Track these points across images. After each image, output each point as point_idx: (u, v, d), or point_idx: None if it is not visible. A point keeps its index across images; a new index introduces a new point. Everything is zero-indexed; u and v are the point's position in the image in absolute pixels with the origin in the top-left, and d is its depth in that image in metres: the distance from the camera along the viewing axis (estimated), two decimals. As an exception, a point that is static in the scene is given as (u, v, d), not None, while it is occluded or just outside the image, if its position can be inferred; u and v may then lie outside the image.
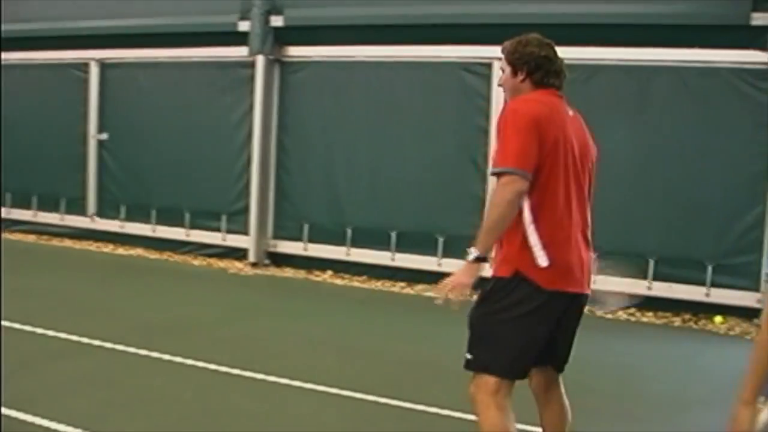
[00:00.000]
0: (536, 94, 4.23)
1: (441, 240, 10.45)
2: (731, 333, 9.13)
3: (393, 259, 10.79)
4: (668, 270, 9.54)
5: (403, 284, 10.68)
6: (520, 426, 4.65)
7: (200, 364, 6.77)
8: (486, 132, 10.17)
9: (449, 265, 10.37)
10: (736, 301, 9.32)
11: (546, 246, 4.01)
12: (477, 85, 10.27)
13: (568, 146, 4.11)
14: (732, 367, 8.24)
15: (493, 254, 4.08)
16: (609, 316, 9.59)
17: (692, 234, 9.45)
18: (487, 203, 4.05)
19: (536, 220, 4.01)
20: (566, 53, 10.20)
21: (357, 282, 10.87)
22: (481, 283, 4.05)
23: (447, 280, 4.02)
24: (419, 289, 10.48)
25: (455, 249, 10.40)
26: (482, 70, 10.21)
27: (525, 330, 4.09)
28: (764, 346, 2.97)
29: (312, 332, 8.21)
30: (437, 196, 10.45)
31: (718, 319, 9.35)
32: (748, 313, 9.29)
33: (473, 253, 3.97)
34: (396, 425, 5.80)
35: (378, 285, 10.75)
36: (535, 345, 4.15)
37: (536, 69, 4.26)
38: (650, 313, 9.54)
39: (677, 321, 9.42)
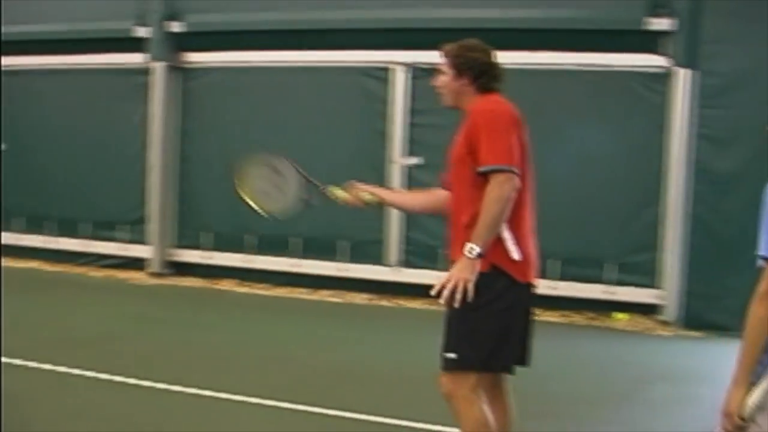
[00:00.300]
0: (493, 97, 4.33)
1: (345, 245, 10.42)
2: (633, 329, 9.32)
3: (295, 266, 10.71)
4: (571, 270, 9.68)
5: (306, 290, 10.62)
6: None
7: (117, 378, 6.59)
8: (385, 136, 10.21)
9: (354, 270, 10.39)
10: (637, 298, 9.52)
11: (517, 240, 4.15)
12: (376, 89, 10.29)
13: (525, 146, 4.26)
14: (637, 362, 8.47)
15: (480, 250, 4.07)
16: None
17: (593, 234, 9.62)
18: (485, 200, 4.04)
19: (509, 215, 4.13)
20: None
21: (260, 289, 10.76)
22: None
23: (449, 279, 4.06)
24: (323, 294, 10.44)
25: (359, 254, 10.42)
26: (381, 74, 10.26)
27: (506, 323, 4.20)
28: (756, 328, 3.04)
29: (225, 342, 8.13)
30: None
31: (620, 316, 9.53)
32: (649, 310, 9.51)
33: (476, 249, 4.00)
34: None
35: (282, 292, 10.67)
36: (515, 338, 4.26)
37: (481, 74, 4.35)
38: (555, 313, 9.65)
39: (580, 319, 9.57)
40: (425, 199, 4.97)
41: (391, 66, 10.17)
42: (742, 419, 3.04)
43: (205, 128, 11.18)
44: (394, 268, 10.35)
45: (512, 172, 4.07)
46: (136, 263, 11.45)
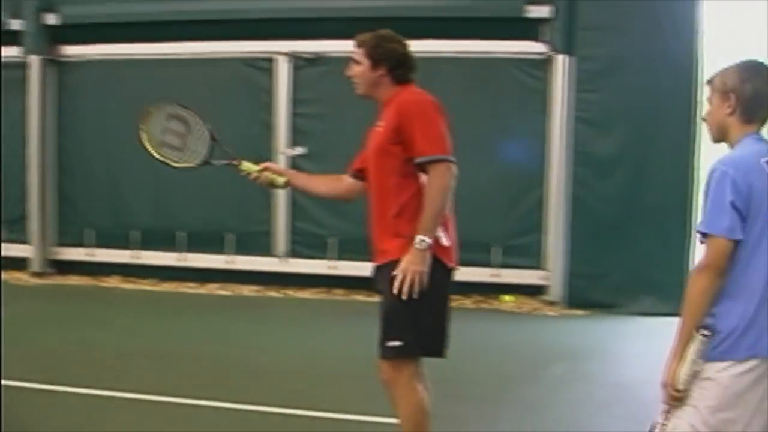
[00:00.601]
0: (413, 88, 4.40)
1: (231, 237, 10.34)
2: (520, 310, 9.53)
3: (182, 260, 10.60)
4: (459, 254, 9.78)
5: (193, 284, 10.50)
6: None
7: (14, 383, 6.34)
8: (270, 127, 10.17)
9: (241, 262, 10.33)
10: (523, 280, 9.72)
11: (444, 227, 4.29)
12: (260, 80, 10.23)
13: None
14: (530, 343, 8.66)
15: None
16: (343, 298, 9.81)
17: (478, 218, 9.76)
18: (431, 191, 4.18)
19: None
20: (349, 46, 10.37)
21: (146, 285, 10.59)
22: (382, 269, 4.28)
23: (403, 271, 4.11)
24: (211, 288, 10.36)
25: (246, 246, 10.35)
26: (264, 65, 10.20)
27: (442, 308, 4.37)
28: (695, 301, 3.22)
29: (113, 340, 7.95)
30: (225, 194, 10.30)
31: (506, 297, 9.72)
32: (535, 291, 9.73)
33: (426, 240, 4.11)
34: (216, 426, 5.77)
35: (169, 287, 10.52)
36: (448, 322, 4.40)
37: (398, 65, 4.43)
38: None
39: (469, 303, 9.72)
40: (332, 184, 5.01)
41: (273, 56, 10.12)
42: (678, 390, 3.23)
43: (84, 123, 10.90)
44: (281, 258, 10.32)
45: (451, 161, 4.20)
46: (18, 263, 11.12)
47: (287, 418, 5.89)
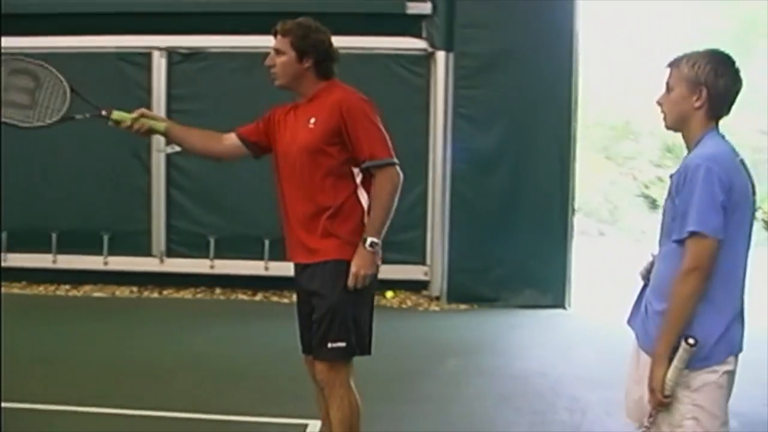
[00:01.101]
0: (343, 84, 4.32)
1: (106, 237, 10.03)
2: (403, 306, 9.54)
3: (55, 261, 10.21)
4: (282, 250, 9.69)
5: (68, 287, 10.14)
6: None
7: None
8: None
9: (117, 263, 10.03)
10: (405, 276, 9.71)
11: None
12: (136, 75, 9.95)
13: None
14: (417, 337, 8.66)
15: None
16: (286, 301, 9.73)
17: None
18: (380, 194, 4.20)
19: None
20: (229, 42, 10.22)
21: (17, 289, 10.13)
22: (313, 268, 4.22)
23: (355, 274, 4.12)
24: (86, 290, 10.03)
25: (121, 246, 10.05)
26: (141, 60, 9.91)
27: (371, 306, 4.37)
28: (680, 306, 3.15)
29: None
30: (100, 193, 10.00)
31: (389, 294, 9.72)
32: (417, 286, 9.76)
33: (376, 242, 4.13)
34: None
35: (41, 290, 10.13)
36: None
37: (325, 58, 4.31)
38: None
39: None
40: (209, 141, 4.89)
41: (149, 51, 9.86)
42: (666, 396, 3.20)
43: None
44: (159, 258, 10.07)
45: (396, 164, 4.21)
46: None
47: (178, 422, 5.75)
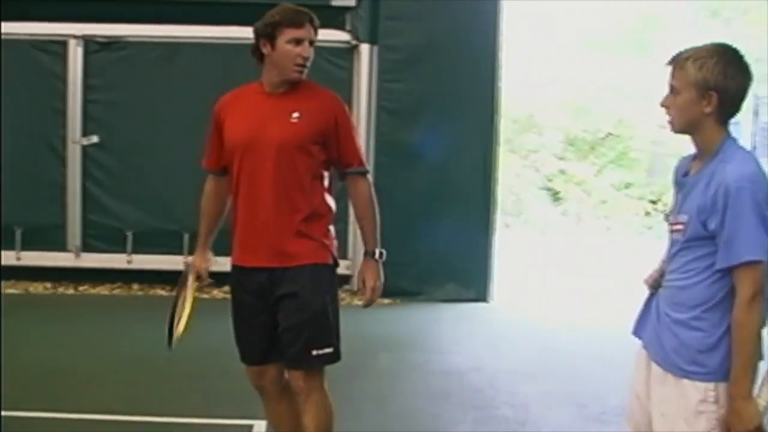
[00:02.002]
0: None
1: (19, 232, 9.69)
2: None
3: (-38, 257, 9.83)
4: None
5: (-23, 283, 9.78)
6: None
7: None
8: (64, 114, 9.59)
9: (31, 258, 9.72)
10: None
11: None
12: (51, 65, 9.61)
13: None
14: (345, 333, 8.41)
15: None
16: (206, 296, 9.56)
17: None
18: (370, 203, 4.26)
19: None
20: (149, 31, 9.97)
21: None
22: (290, 272, 4.07)
23: (372, 287, 4.17)
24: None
25: (35, 240, 9.74)
26: (56, 48, 9.57)
27: None
28: (747, 339, 3.00)
29: None
30: (12, 186, 9.63)
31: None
32: (340, 281, 9.66)
33: (383, 252, 4.16)
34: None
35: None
36: None
37: None
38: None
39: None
40: (218, 208, 4.54)
41: (65, 39, 9.55)
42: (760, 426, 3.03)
43: None
44: (74, 253, 9.78)
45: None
46: None
47: (118, 425, 5.61)
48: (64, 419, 5.63)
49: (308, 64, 4.08)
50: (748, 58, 3.12)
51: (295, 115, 4.07)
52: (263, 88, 4.18)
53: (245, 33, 9.39)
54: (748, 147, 10.72)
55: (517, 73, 19.97)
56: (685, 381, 3.14)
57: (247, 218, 4.15)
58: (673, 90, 3.13)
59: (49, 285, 9.70)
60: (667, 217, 3.33)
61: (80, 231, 9.76)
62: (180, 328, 4.37)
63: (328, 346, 4.11)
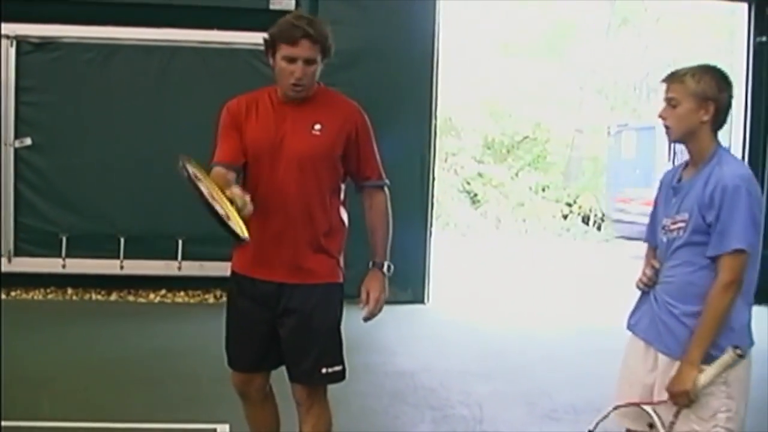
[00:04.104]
0: (321, 84, 4.07)
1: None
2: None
3: None
4: (196, 249, 9.55)
5: None
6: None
7: None
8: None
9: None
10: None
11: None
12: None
13: None
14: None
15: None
16: (142, 300, 9.49)
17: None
18: (385, 216, 4.18)
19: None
20: (84, 32, 9.83)
21: None
22: (303, 289, 3.97)
23: (377, 298, 4.09)
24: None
25: None
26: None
27: None
28: (718, 317, 3.33)
29: None
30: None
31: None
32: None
33: (391, 266, 4.11)
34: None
35: None
36: None
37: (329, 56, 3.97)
38: (182, 293, 9.64)
39: (210, 298, 9.56)
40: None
41: (-2, 38, 9.38)
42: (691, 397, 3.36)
43: None
44: (6, 257, 9.58)
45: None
46: None
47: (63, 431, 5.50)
48: (19, 427, 5.48)
49: (305, 82, 3.86)
50: (658, 65, 3.50)
51: (317, 127, 3.92)
52: (279, 96, 4.01)
53: (182, 35, 9.60)
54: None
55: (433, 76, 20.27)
56: None
57: (263, 229, 3.87)
58: (671, 102, 3.47)
59: (-22, 290, 9.51)
60: (661, 224, 3.61)
61: (13, 235, 9.58)
62: (236, 218, 3.54)
63: (337, 364, 4.03)
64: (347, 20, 9.52)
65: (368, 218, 4.16)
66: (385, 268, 4.12)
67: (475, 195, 21.40)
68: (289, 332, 4.01)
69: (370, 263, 4.17)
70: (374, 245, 4.14)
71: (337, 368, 4.03)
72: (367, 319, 4.11)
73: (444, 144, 21.50)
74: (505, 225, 20.42)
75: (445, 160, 21.47)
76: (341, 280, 4.13)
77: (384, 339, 8.29)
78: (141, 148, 9.45)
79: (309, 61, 3.82)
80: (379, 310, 4.11)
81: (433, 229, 10.27)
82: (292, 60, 3.81)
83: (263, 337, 4.07)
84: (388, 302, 9.14)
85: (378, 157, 4.14)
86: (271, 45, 3.89)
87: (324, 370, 4.00)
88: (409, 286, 9.74)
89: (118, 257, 9.52)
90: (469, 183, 21.56)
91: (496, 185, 21.46)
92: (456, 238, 18.38)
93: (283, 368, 4.17)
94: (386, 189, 4.18)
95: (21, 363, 7.01)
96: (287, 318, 3.99)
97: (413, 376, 6.97)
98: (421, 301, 9.79)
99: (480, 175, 21.60)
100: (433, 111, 9.76)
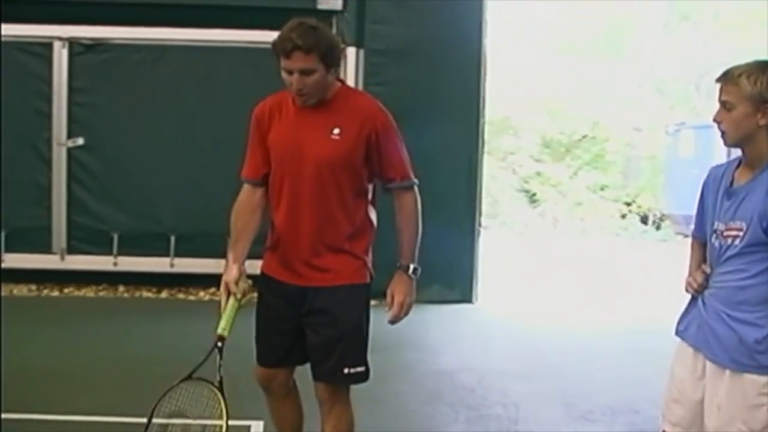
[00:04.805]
0: (354, 89, 4.13)
1: (3, 234, 9.65)
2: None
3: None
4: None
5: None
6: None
7: None
8: (49, 116, 9.58)
9: (14, 260, 9.68)
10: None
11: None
12: (36, 67, 9.56)
13: None
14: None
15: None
16: (192, 298, 9.60)
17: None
18: (412, 217, 4.03)
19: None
20: (134, 34, 9.95)
21: None
22: (327, 291, 3.95)
23: (401, 302, 3.97)
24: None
25: (19, 242, 9.70)
26: (41, 50, 9.53)
27: None
28: None
29: None
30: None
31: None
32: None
33: (418, 269, 4.00)
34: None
35: None
36: None
37: (338, 61, 3.92)
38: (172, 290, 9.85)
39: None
40: (253, 221, 4.12)
41: (50, 41, 9.53)
42: None
43: None
44: (59, 255, 9.76)
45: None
46: None
47: (109, 426, 5.57)
48: (56, 421, 5.59)
49: (306, 92, 3.79)
50: (718, 62, 3.28)
51: (336, 131, 3.87)
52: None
53: (231, 36, 9.65)
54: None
55: (492, 75, 20.21)
56: (745, 375, 3.26)
57: (287, 232, 3.96)
58: (726, 105, 3.26)
59: (33, 287, 9.70)
60: (712, 224, 3.43)
61: (65, 233, 9.75)
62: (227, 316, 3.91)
63: (360, 365, 4.01)
64: (394, 19, 9.58)
65: (396, 219, 4.07)
66: (411, 271, 4.01)
67: (533, 194, 21.30)
68: (314, 332, 4.02)
69: (397, 265, 4.08)
70: (401, 246, 4.05)
71: (360, 369, 4.01)
72: (392, 322, 4.04)
73: (502, 143, 21.46)
74: (562, 224, 20.30)
75: (503, 159, 21.41)
76: (368, 280, 4.05)
77: (428, 338, 8.29)
78: (189, 148, 9.57)
79: (305, 72, 3.75)
80: (405, 314, 4.01)
81: (486, 229, 10.23)
82: (289, 72, 3.77)
83: (288, 334, 4.09)
84: (434, 301, 9.34)
85: (404, 156, 4.03)
86: (275, 55, 3.84)
87: (346, 371, 3.99)
88: (457, 285, 9.73)
89: (168, 255, 9.65)
90: (527, 182, 21.46)
91: (554, 184, 21.34)
92: (513, 238, 18.29)
93: (308, 367, 4.17)
94: (415, 189, 4.05)
95: (62, 359, 7.15)
96: (312, 318, 4.00)
97: (453, 375, 6.96)
98: (469, 301, 9.77)
99: (538, 174, 21.48)
100: (480, 110, 9.72)
